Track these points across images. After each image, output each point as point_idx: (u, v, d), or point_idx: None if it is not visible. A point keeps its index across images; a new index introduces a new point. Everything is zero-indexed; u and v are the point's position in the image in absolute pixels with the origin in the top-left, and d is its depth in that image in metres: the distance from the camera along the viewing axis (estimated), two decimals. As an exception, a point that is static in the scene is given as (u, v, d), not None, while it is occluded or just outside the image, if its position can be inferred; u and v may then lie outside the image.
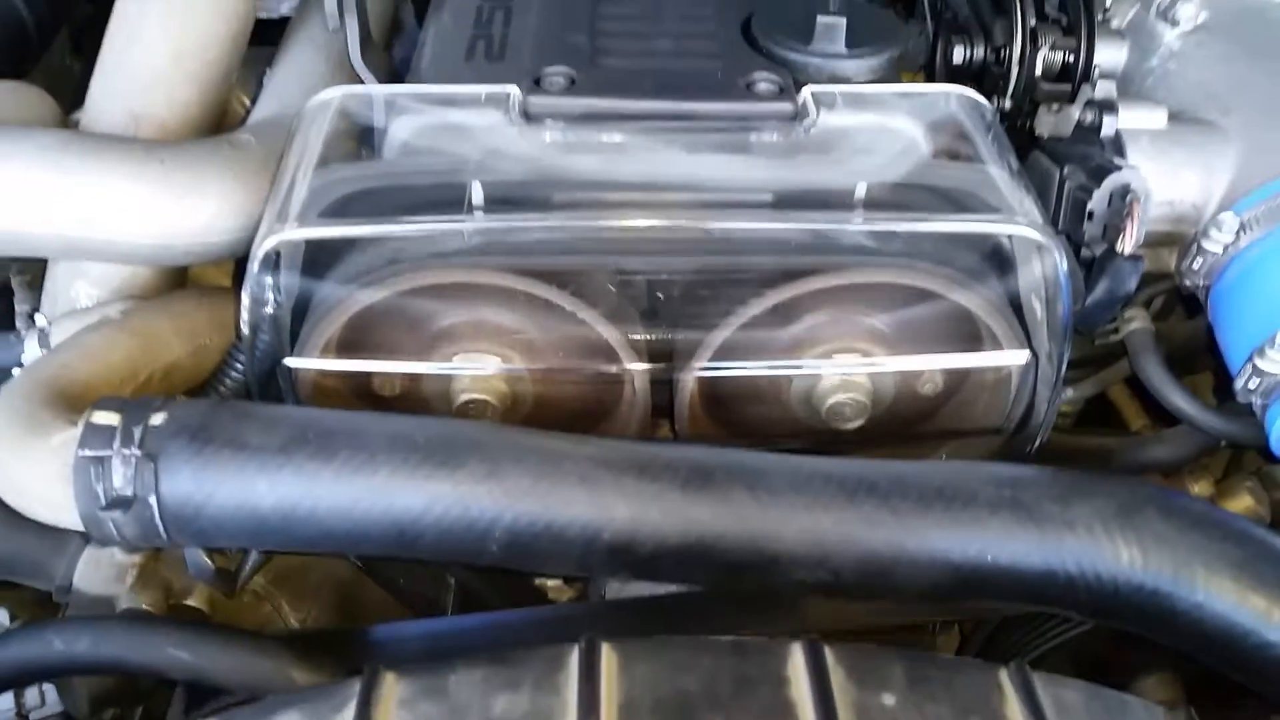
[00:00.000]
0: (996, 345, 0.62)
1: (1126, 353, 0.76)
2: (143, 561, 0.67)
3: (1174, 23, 0.81)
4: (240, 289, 0.60)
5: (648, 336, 0.63)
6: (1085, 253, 0.69)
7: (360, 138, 0.68)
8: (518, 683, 0.42)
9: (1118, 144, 0.73)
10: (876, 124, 0.68)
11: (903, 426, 0.66)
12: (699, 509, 0.52)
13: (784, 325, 0.63)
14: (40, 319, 0.71)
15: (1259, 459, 0.82)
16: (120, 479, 0.52)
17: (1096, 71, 0.83)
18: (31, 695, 0.63)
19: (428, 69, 0.74)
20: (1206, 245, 0.69)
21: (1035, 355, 0.62)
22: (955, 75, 0.87)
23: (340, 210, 0.61)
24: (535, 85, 0.67)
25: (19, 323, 0.84)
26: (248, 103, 0.90)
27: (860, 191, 0.63)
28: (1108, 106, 0.73)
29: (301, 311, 0.62)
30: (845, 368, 0.63)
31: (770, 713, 0.40)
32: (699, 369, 0.63)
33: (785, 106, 0.67)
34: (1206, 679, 0.56)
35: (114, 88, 0.74)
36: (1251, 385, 0.63)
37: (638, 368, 0.62)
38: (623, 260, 0.63)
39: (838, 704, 0.40)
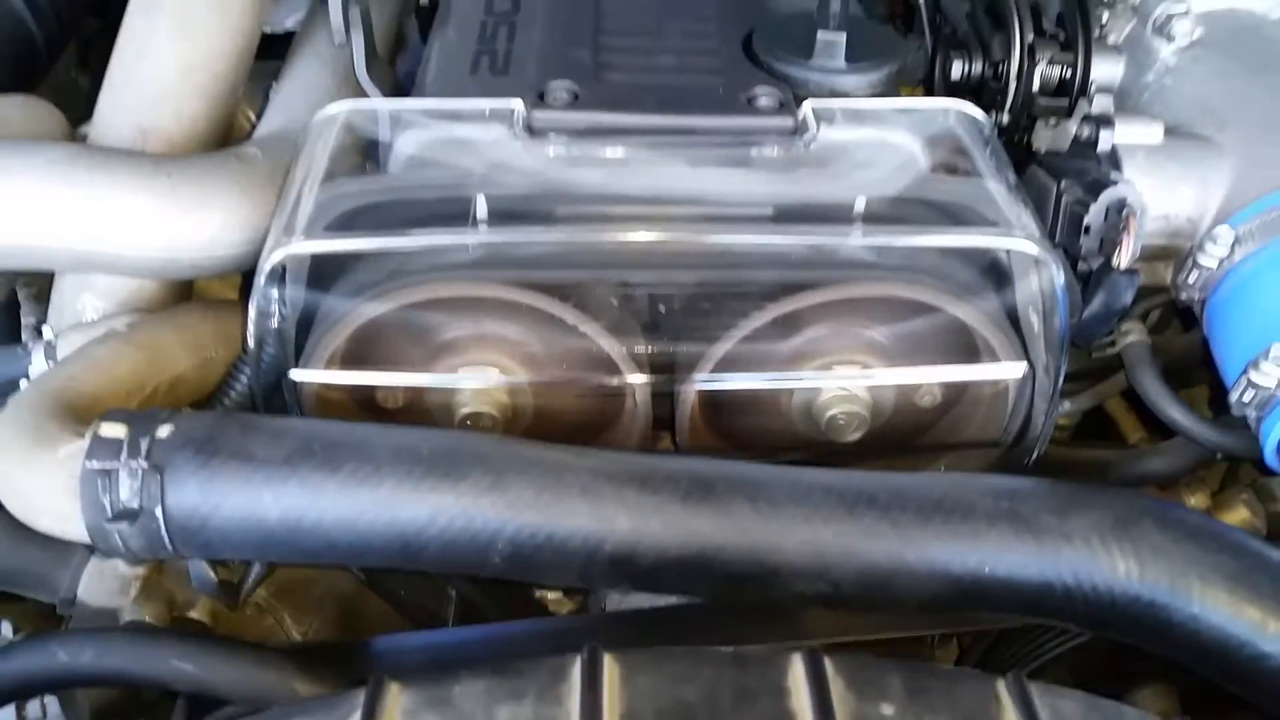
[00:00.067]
0: (994, 358, 0.63)
1: (1123, 366, 0.77)
2: (146, 574, 0.67)
3: (1170, 38, 0.82)
4: (247, 302, 0.60)
5: (649, 349, 0.64)
6: (1082, 266, 0.69)
7: (366, 152, 0.69)
8: (521, 693, 0.43)
9: (1114, 159, 0.74)
10: (876, 139, 0.69)
11: (902, 439, 0.67)
12: (700, 520, 0.52)
13: (784, 338, 0.64)
14: (47, 331, 0.71)
15: (1255, 471, 0.83)
16: (127, 491, 0.53)
17: (1093, 86, 0.84)
18: (33, 708, 0.63)
19: (432, 83, 0.74)
20: (1202, 259, 0.70)
21: (1033, 368, 0.63)
22: (954, 90, 0.88)
23: (346, 224, 0.62)
24: (539, 100, 0.68)
25: (25, 335, 0.85)
26: (253, 117, 0.91)
27: (859, 206, 0.63)
28: (1104, 121, 0.74)
29: (306, 324, 0.63)
30: (845, 380, 0.64)
31: (771, 723, 0.41)
32: (700, 381, 0.63)
33: (786, 121, 0.68)
34: (1203, 691, 0.57)
35: (122, 102, 0.75)
36: (1246, 398, 0.64)
37: (639, 380, 0.63)
38: (625, 274, 0.63)
39: (837, 714, 0.40)
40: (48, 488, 0.55)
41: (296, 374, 0.62)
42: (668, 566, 0.52)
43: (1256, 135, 0.74)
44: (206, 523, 0.53)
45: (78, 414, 0.58)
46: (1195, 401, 0.82)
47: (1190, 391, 0.83)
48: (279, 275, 0.61)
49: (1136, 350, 0.75)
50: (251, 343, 0.61)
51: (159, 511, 0.53)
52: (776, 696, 0.42)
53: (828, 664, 0.43)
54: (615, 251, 0.62)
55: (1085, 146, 0.75)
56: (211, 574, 0.62)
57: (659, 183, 0.66)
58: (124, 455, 0.53)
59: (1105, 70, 0.83)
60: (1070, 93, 0.84)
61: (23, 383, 0.69)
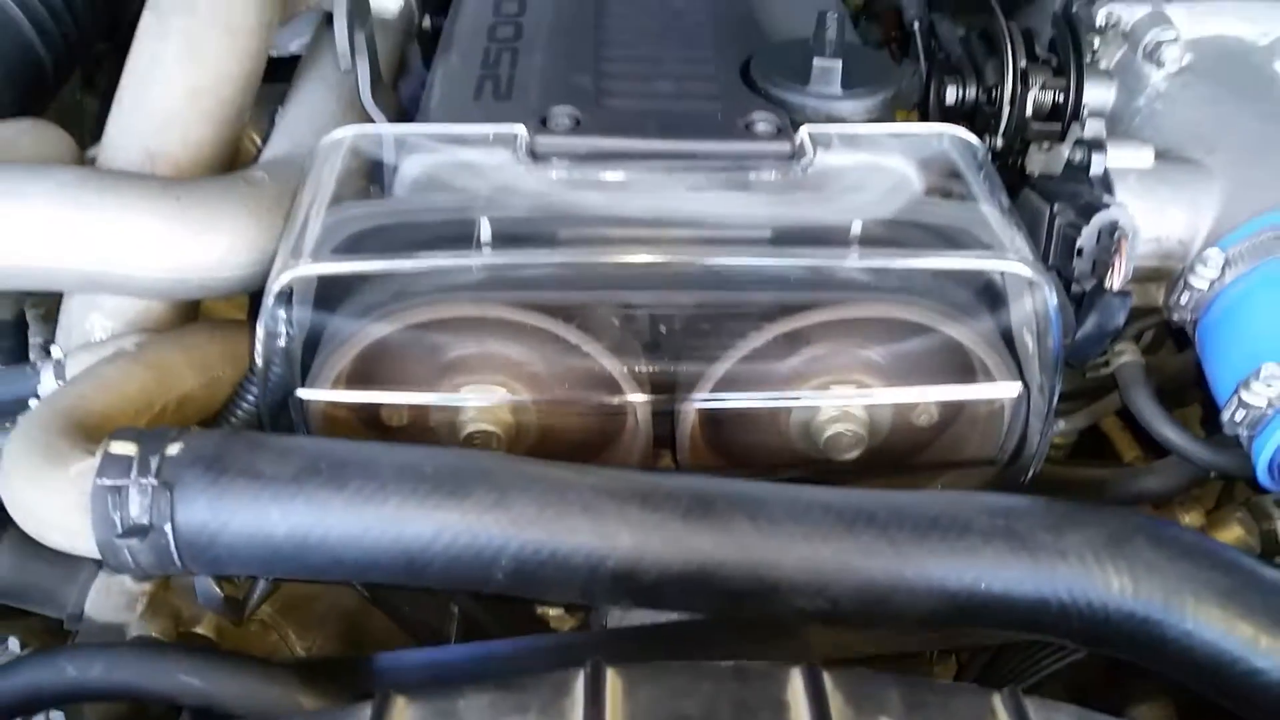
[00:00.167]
0: (989, 378, 0.64)
1: (1117, 385, 0.78)
2: (153, 590, 0.68)
3: (1160, 64, 0.84)
4: (255, 322, 0.61)
5: (650, 369, 0.65)
6: (1075, 288, 0.70)
7: (371, 175, 0.70)
8: (525, 707, 0.43)
9: (1106, 182, 0.75)
10: (871, 163, 0.70)
11: (899, 457, 0.68)
12: (700, 537, 0.53)
13: (783, 358, 0.64)
14: (56, 351, 0.72)
15: (1249, 490, 0.84)
16: (137, 507, 0.54)
17: (1085, 111, 0.85)
18: (39, 722, 0.64)
19: (437, 108, 0.76)
20: (1193, 281, 0.71)
21: (1027, 387, 0.64)
22: (948, 114, 0.89)
23: (352, 246, 0.63)
24: (542, 125, 0.69)
25: (33, 354, 0.86)
26: (259, 140, 0.92)
27: (856, 228, 0.64)
28: (1096, 145, 0.76)
29: (313, 344, 0.63)
30: (842, 399, 0.64)
31: (770, 736, 0.41)
32: (700, 400, 0.64)
33: (783, 146, 0.69)
34: (1199, 708, 0.57)
35: (131, 126, 0.76)
36: (1238, 417, 0.65)
37: (640, 399, 0.64)
38: (626, 295, 0.64)
39: (836, 728, 0.41)
40: (59, 504, 0.55)
41: (303, 393, 0.62)
42: (669, 583, 0.53)
43: (1245, 159, 0.75)
44: (215, 539, 0.54)
45: (88, 432, 0.59)
46: (1190, 421, 0.83)
47: (1184, 411, 0.84)
48: (286, 296, 0.61)
49: (1130, 370, 0.76)
50: (259, 362, 0.62)
51: (168, 528, 0.53)
52: (776, 710, 0.43)
53: (826, 678, 0.44)
54: (617, 273, 0.63)
55: (1078, 170, 0.76)
56: (217, 590, 0.63)
57: (659, 206, 0.67)
58: (134, 472, 0.54)
59: (1097, 95, 0.85)
60: (1063, 117, 0.85)
61: (32, 401, 0.70)
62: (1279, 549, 0.80)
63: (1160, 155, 0.76)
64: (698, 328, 0.65)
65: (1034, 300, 0.63)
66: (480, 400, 0.64)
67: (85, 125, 1.03)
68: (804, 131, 0.70)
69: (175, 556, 0.54)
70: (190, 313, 0.77)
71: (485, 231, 0.62)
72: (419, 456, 0.55)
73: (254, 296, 0.70)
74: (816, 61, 0.73)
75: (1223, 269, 0.70)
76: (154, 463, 0.54)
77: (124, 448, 0.55)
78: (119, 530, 0.54)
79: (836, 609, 0.53)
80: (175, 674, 0.57)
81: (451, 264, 0.62)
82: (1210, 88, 0.82)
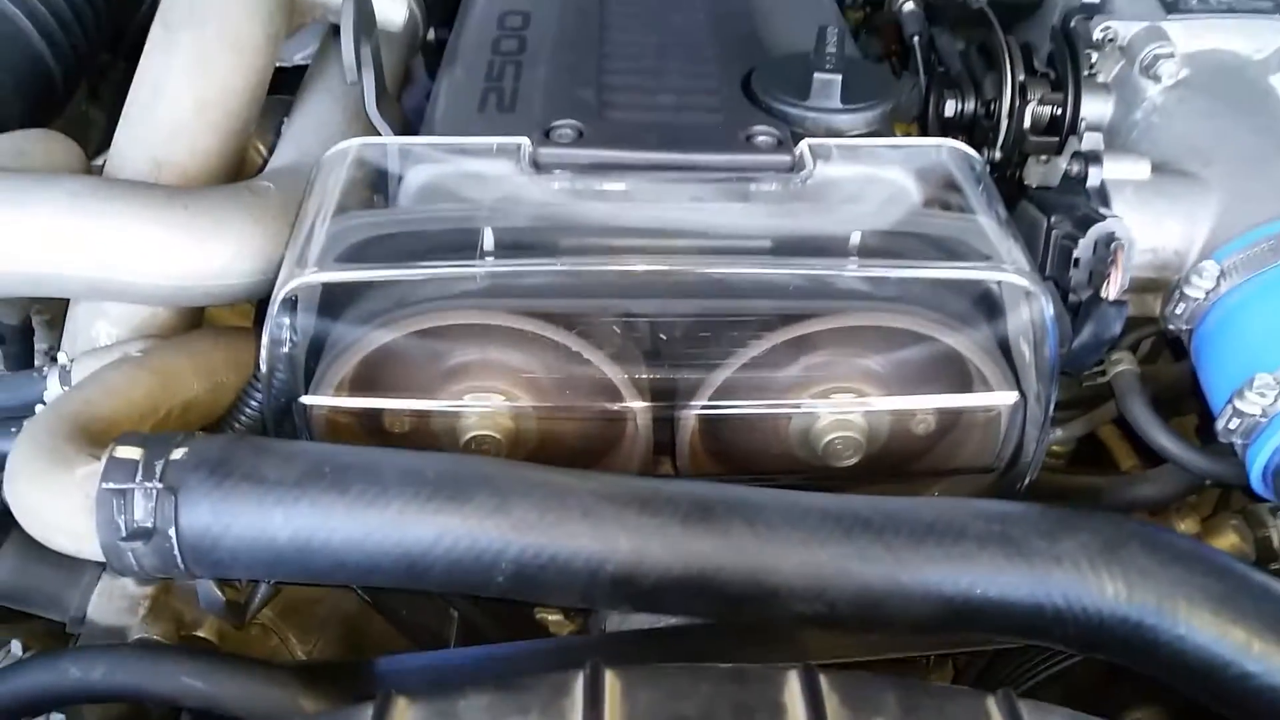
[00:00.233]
0: (986, 386, 0.64)
1: (1114, 394, 0.78)
2: (155, 594, 0.68)
3: (1156, 78, 0.85)
4: (260, 329, 0.62)
5: (650, 376, 0.65)
6: (1072, 298, 0.71)
7: (376, 185, 0.71)
8: (525, 708, 0.44)
9: (1103, 194, 0.76)
10: (870, 175, 0.71)
11: (897, 464, 0.68)
12: (699, 542, 0.53)
13: (782, 366, 0.65)
14: (62, 357, 0.73)
15: (1245, 498, 0.84)
16: (141, 511, 0.54)
17: (1083, 124, 0.86)
18: (40, 724, 0.65)
19: (441, 120, 0.77)
20: (1189, 291, 0.72)
21: (1024, 396, 0.64)
22: (947, 127, 0.90)
23: (357, 255, 0.63)
24: (545, 137, 0.70)
25: (38, 360, 0.87)
26: (264, 151, 0.93)
27: (855, 239, 0.65)
28: (1093, 158, 0.76)
29: (316, 351, 0.64)
30: (841, 407, 0.65)
31: (767, 738, 0.42)
32: (699, 408, 0.65)
33: (783, 158, 0.70)
34: (1194, 713, 0.58)
35: (139, 136, 0.77)
36: (1232, 425, 0.65)
37: (640, 406, 0.64)
38: (627, 303, 0.65)
39: (832, 729, 0.42)
40: (64, 507, 0.56)
41: (307, 399, 0.63)
42: (668, 587, 0.53)
43: (1240, 172, 0.76)
44: (218, 542, 0.54)
45: (93, 436, 0.60)
46: (1187, 429, 0.83)
47: (1182, 420, 0.85)
48: (291, 304, 0.62)
49: (1126, 379, 0.77)
50: (264, 368, 0.62)
51: (172, 531, 0.54)
52: (773, 712, 0.43)
53: (823, 680, 0.44)
54: (618, 281, 0.63)
55: (1075, 182, 0.77)
56: (219, 594, 0.63)
57: (661, 216, 0.68)
58: (139, 476, 0.54)
59: (1095, 109, 0.86)
60: (1060, 130, 0.86)
61: (38, 407, 0.71)
62: (1274, 556, 0.81)
63: (1157, 168, 0.77)
64: (698, 336, 0.66)
65: (1031, 310, 0.63)
66: (481, 407, 0.64)
67: (90, 135, 1.04)
68: (804, 144, 0.71)
69: (179, 560, 0.55)
70: (195, 319, 0.78)
71: (488, 241, 0.63)
72: (421, 461, 0.56)
73: (259, 304, 0.71)
74: (817, 75, 0.73)
75: (1218, 280, 0.71)
76: (159, 467, 0.55)
77: (129, 452, 0.55)
78: (123, 533, 0.54)
79: (834, 613, 0.54)
80: (177, 676, 0.58)
81: (454, 272, 0.62)
82: (1206, 102, 0.83)
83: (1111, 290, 0.68)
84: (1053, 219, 0.73)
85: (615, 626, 0.72)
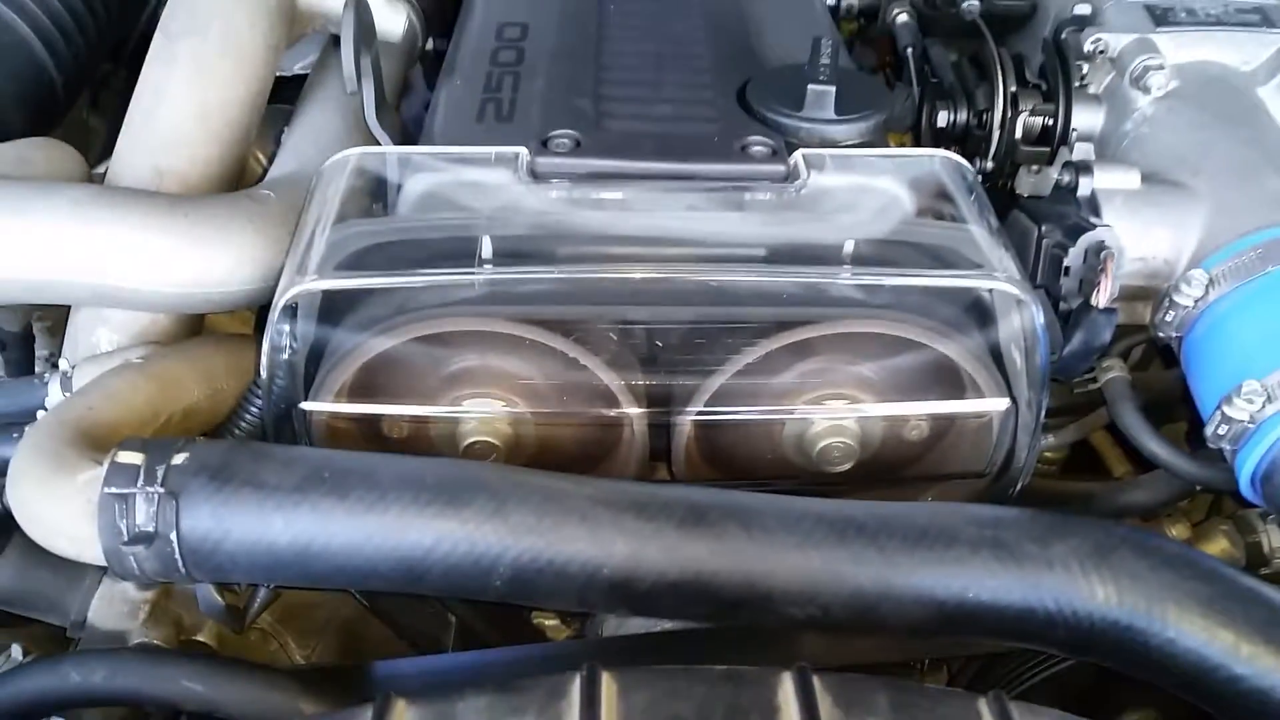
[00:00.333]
0: (978, 393, 0.65)
1: (1105, 401, 0.79)
2: (155, 598, 0.69)
3: (1146, 90, 0.86)
4: (260, 336, 0.62)
5: (646, 382, 0.66)
6: (1063, 306, 0.72)
7: (376, 194, 0.71)
8: (522, 709, 0.44)
9: (1093, 203, 0.77)
10: (864, 185, 0.72)
11: (890, 470, 0.69)
12: (695, 547, 0.54)
13: (776, 373, 0.66)
14: (63, 363, 0.74)
15: (1236, 503, 0.85)
16: (143, 515, 0.55)
17: (1074, 135, 0.87)
18: (42, 728, 0.65)
19: (441, 130, 0.78)
20: (1178, 299, 0.73)
21: (1015, 402, 0.65)
22: (940, 137, 0.91)
23: (357, 263, 0.64)
24: (543, 147, 0.71)
25: (39, 366, 0.87)
26: (265, 159, 0.94)
27: (849, 248, 0.66)
28: (1084, 168, 0.77)
29: (316, 357, 0.65)
30: (835, 413, 0.66)
31: (761, 738, 0.42)
32: (695, 414, 0.65)
33: (778, 168, 0.71)
34: (1187, 716, 0.58)
35: (141, 144, 0.78)
36: (1221, 431, 0.66)
37: (636, 412, 0.65)
38: (624, 310, 0.65)
39: (826, 729, 0.42)
40: (66, 512, 0.56)
41: (307, 405, 0.64)
42: (664, 591, 0.54)
43: (1228, 182, 0.77)
44: (219, 547, 0.55)
45: (95, 442, 0.60)
46: (1178, 436, 0.84)
47: (1174, 426, 0.86)
48: (291, 311, 0.63)
49: (1117, 386, 0.77)
50: (264, 375, 0.63)
51: (173, 536, 0.54)
52: (767, 713, 0.44)
53: (816, 681, 0.45)
54: (615, 289, 0.64)
55: (1066, 192, 0.78)
56: (219, 598, 0.64)
57: (657, 225, 0.69)
58: (141, 481, 0.55)
59: (1085, 119, 0.87)
60: (1052, 141, 0.88)
61: (40, 413, 0.71)
62: (1264, 561, 0.81)
63: (1147, 178, 0.78)
64: (693, 343, 0.67)
65: (1022, 318, 0.64)
66: (479, 413, 0.65)
67: (92, 143, 1.05)
68: (798, 154, 0.72)
69: (180, 564, 0.55)
70: (195, 326, 0.79)
71: (486, 249, 0.64)
72: (419, 467, 0.57)
73: (259, 310, 0.71)
74: (811, 87, 0.74)
75: (1206, 288, 0.72)
76: (160, 472, 0.55)
77: (131, 457, 0.56)
78: (125, 538, 0.55)
79: (828, 617, 0.55)
80: (178, 679, 0.58)
81: (453, 280, 0.63)
82: (1195, 113, 0.84)
83: (1101, 298, 0.69)
84: (1044, 228, 0.74)
85: (612, 631, 0.73)
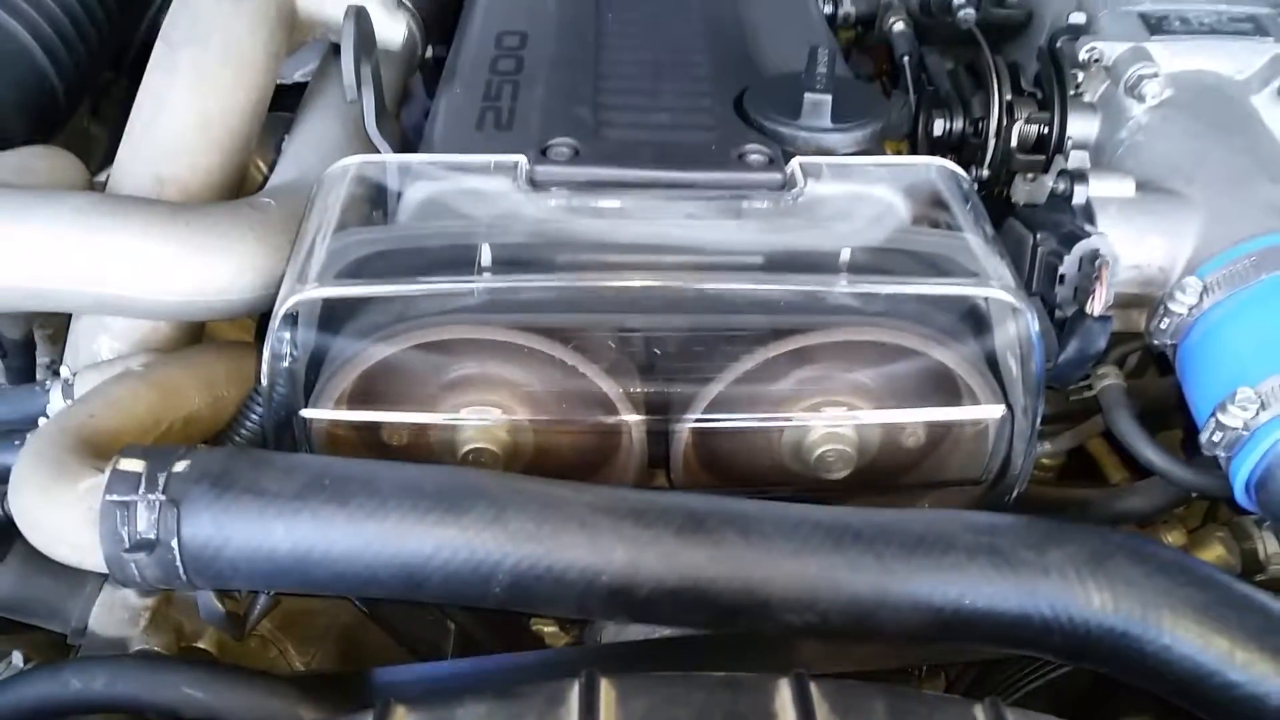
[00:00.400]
0: (974, 400, 0.65)
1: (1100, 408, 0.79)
2: (155, 605, 0.69)
3: (1141, 98, 0.86)
4: (261, 344, 0.63)
5: (645, 390, 0.66)
6: (1058, 314, 0.72)
7: (376, 202, 0.72)
8: (522, 716, 0.45)
9: (1088, 212, 0.77)
10: (860, 193, 0.72)
11: (887, 477, 0.69)
12: (693, 553, 0.54)
13: (774, 380, 0.66)
14: (65, 371, 0.74)
15: (1231, 510, 0.85)
16: (144, 523, 0.55)
17: (1069, 143, 0.88)
18: (42, 735, 0.65)
19: (440, 138, 0.78)
20: (1172, 307, 0.73)
21: (1011, 410, 0.65)
22: (936, 145, 0.92)
23: (357, 271, 0.64)
24: (542, 155, 0.71)
25: (39, 374, 0.87)
26: (265, 167, 0.94)
27: (845, 256, 0.67)
28: (1079, 176, 0.78)
29: (316, 365, 0.65)
30: (832, 420, 0.66)
31: (759, 744, 0.43)
32: (693, 421, 0.66)
33: (775, 176, 0.71)
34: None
35: (141, 153, 0.78)
36: (1215, 439, 0.67)
37: (635, 419, 0.65)
38: (622, 318, 0.66)
39: (823, 736, 0.43)
40: (68, 519, 0.57)
41: (307, 412, 0.64)
42: (662, 598, 0.54)
43: (1222, 190, 0.77)
44: (219, 554, 0.55)
45: (97, 450, 0.60)
46: (1175, 442, 0.85)
47: (1170, 433, 0.86)
48: (292, 319, 0.63)
49: (1112, 393, 0.78)
50: (265, 383, 0.63)
51: (174, 543, 0.55)
52: (765, 719, 0.44)
53: (814, 688, 0.45)
54: (613, 297, 0.64)
55: (1061, 200, 0.78)
56: (219, 605, 0.64)
57: (655, 233, 0.69)
58: (142, 489, 0.55)
59: (1080, 127, 0.87)
60: (1047, 149, 0.88)
61: (41, 420, 0.71)
62: (1259, 567, 0.82)
63: (1141, 186, 0.78)
64: (691, 350, 0.67)
65: (1017, 325, 0.65)
66: (479, 420, 0.65)
67: (92, 151, 1.06)
68: (795, 162, 0.72)
69: (181, 571, 0.55)
70: (196, 333, 0.79)
71: (486, 257, 0.64)
72: (419, 474, 0.57)
73: (260, 318, 0.72)
74: (807, 96, 0.75)
75: (1201, 296, 0.72)
76: (161, 479, 0.55)
77: (132, 464, 0.56)
78: (126, 545, 0.55)
79: (826, 623, 0.55)
80: (178, 686, 0.58)
81: (452, 288, 0.63)
82: (1189, 121, 0.84)
83: (1096, 306, 0.69)
84: (1039, 236, 0.74)
85: (611, 637, 0.73)
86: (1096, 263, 0.70)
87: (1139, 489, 0.80)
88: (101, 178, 0.82)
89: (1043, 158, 0.88)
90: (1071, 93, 0.88)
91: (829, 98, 0.75)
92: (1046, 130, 0.88)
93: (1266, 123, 0.85)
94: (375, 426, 0.66)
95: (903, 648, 0.69)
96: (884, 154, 0.81)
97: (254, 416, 0.71)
